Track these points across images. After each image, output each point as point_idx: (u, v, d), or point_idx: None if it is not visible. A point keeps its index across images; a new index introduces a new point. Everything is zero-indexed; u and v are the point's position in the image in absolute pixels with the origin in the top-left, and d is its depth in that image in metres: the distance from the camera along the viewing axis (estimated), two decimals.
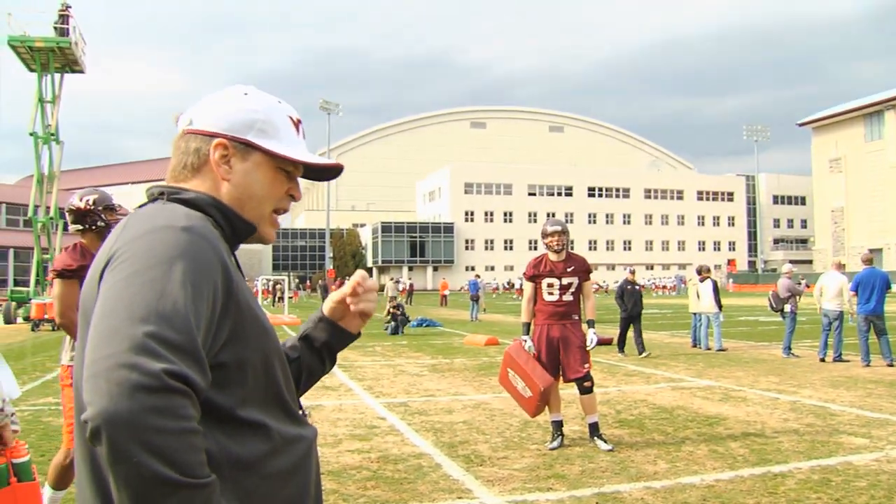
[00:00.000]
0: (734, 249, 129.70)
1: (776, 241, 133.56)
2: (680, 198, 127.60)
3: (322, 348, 2.19)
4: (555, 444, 8.63)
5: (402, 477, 7.35)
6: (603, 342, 18.30)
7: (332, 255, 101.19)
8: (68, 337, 5.64)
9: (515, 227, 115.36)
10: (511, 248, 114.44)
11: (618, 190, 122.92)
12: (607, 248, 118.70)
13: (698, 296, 20.31)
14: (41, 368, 16.35)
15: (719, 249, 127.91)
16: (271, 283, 62.27)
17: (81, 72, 41.64)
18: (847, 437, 9.04)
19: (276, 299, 59.81)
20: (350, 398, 12.30)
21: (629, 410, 11.00)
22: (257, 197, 1.85)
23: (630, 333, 19.09)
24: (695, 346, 20.41)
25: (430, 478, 7.34)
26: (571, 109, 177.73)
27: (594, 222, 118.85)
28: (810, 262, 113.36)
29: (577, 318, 8.96)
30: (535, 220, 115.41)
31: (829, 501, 6.45)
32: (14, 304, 37.90)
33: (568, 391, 10.33)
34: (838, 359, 16.74)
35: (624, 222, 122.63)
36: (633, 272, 19.78)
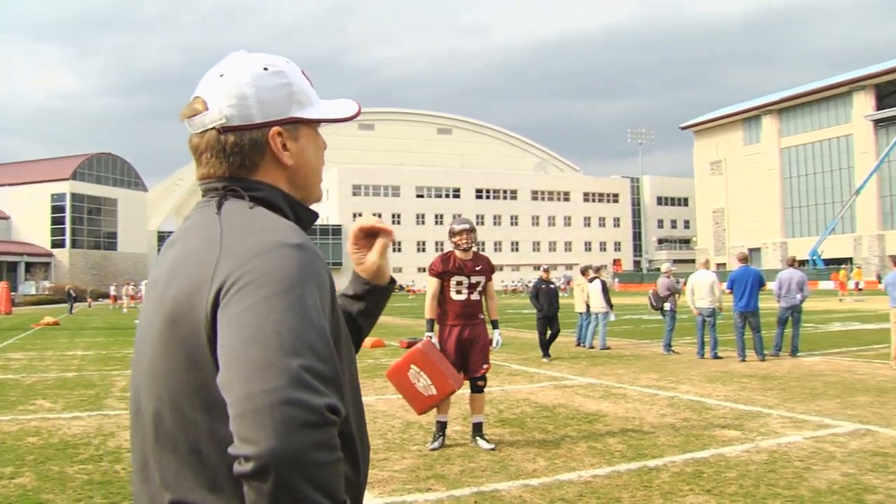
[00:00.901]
0: (619, 250, 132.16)
1: (660, 242, 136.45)
2: (566, 199, 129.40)
3: (359, 317, 2.08)
4: (436, 444, 8.65)
5: None
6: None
7: None
8: None
9: (404, 228, 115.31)
10: (399, 250, 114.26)
11: (505, 191, 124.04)
12: (495, 250, 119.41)
13: (587, 296, 20.61)
14: None
15: (605, 250, 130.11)
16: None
17: None
18: (720, 431, 9.30)
19: None
20: None
21: (511, 409, 11.10)
22: (316, 168, 1.83)
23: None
24: (579, 345, 20.73)
25: None
26: (460, 112, 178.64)
27: (482, 223, 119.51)
28: (693, 261, 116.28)
29: (482, 317, 8.99)
30: (423, 222, 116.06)
31: (700, 493, 6.63)
32: None
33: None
34: (715, 356, 17.21)
35: (511, 223, 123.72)
36: (546, 270, 19.40)
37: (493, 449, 8.45)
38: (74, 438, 9.33)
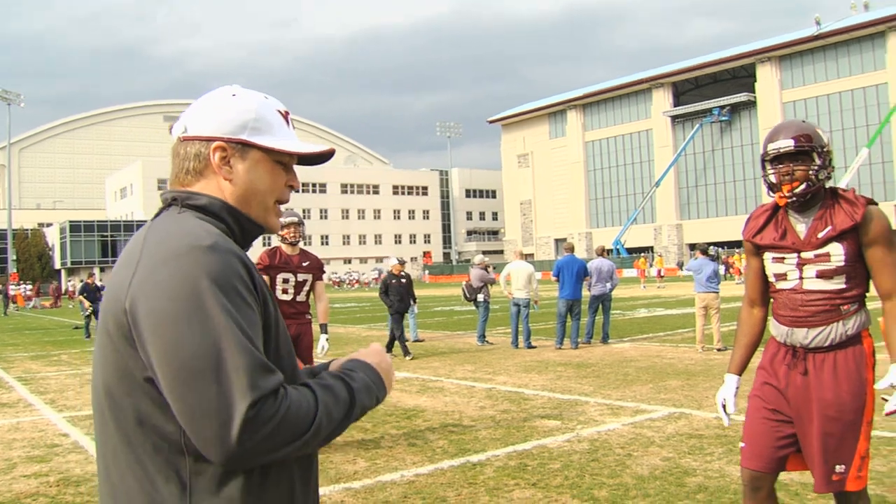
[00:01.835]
0: (429, 242, 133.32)
1: (469, 233, 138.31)
2: (376, 192, 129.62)
3: None
4: None
5: (84, 501, 6.72)
6: None
7: (15, 257, 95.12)
8: None
9: None
10: None
11: (314, 185, 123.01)
12: (305, 244, 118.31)
13: None
14: None
15: (415, 242, 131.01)
16: None
17: None
18: (541, 421, 9.28)
19: None
20: (29, 414, 11.29)
21: None
22: (261, 192, 1.92)
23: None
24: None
25: None
26: None
27: None
28: (501, 252, 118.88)
29: (308, 317, 8.56)
30: None
31: (525, 486, 6.54)
32: None
33: None
34: (529, 345, 17.40)
35: (321, 217, 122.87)
36: (402, 263, 18.50)
37: None
38: None
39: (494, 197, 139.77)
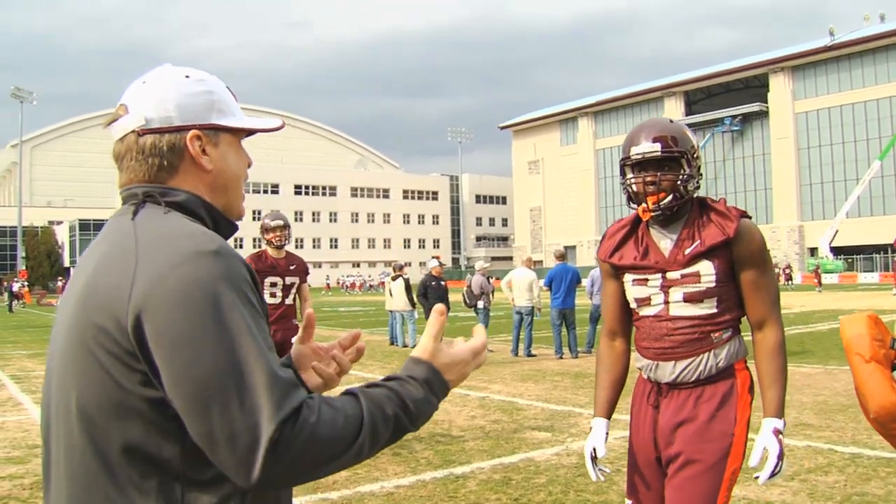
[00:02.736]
0: (438, 247, 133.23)
1: (478, 239, 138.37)
2: (386, 196, 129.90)
3: None
4: None
5: None
6: None
7: (24, 255, 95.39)
8: None
9: None
10: None
11: (325, 188, 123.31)
12: (314, 246, 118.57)
13: (391, 294, 20.30)
14: None
15: (424, 247, 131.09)
16: None
17: None
18: (531, 433, 9.10)
19: None
20: (16, 414, 11.16)
21: None
22: (237, 178, 1.83)
23: None
24: (392, 343, 20.43)
25: None
26: (282, 107, 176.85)
27: (301, 220, 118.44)
28: (510, 258, 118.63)
29: (295, 322, 8.40)
30: (240, 219, 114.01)
31: (508, 501, 6.36)
32: None
33: None
34: (529, 354, 17.20)
35: (331, 220, 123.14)
36: (441, 266, 18.30)
37: None
38: None
39: (504, 203, 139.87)
